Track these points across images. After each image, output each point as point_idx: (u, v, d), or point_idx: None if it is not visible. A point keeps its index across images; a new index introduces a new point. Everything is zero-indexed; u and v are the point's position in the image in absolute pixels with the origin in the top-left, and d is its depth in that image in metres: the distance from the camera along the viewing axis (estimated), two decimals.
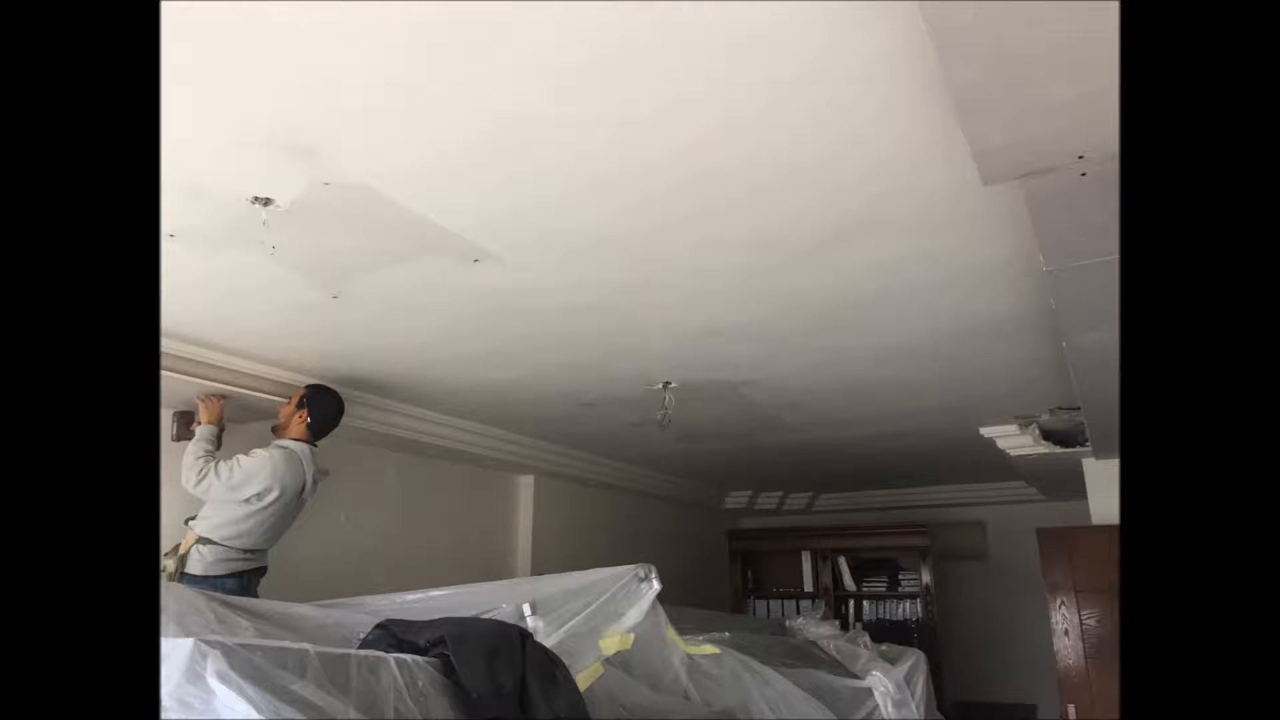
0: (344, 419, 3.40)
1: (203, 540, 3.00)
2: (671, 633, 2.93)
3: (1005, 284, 2.57)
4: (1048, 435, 4.42)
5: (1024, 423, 4.43)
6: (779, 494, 7.57)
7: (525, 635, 2.16)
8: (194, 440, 3.08)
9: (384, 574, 3.92)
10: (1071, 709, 4.24)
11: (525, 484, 5.33)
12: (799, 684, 3.35)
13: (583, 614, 2.54)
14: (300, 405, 3.26)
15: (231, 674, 1.53)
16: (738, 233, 2.18)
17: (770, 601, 7.16)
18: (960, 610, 7.01)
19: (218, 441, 3.13)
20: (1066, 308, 2.23)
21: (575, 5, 1.33)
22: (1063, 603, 4.41)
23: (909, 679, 3.99)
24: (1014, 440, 4.58)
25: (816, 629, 4.45)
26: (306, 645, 1.74)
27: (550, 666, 2.11)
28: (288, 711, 1.55)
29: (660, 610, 2.80)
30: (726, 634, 3.51)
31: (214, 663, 1.53)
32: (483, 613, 2.45)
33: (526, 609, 2.49)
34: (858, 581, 7.01)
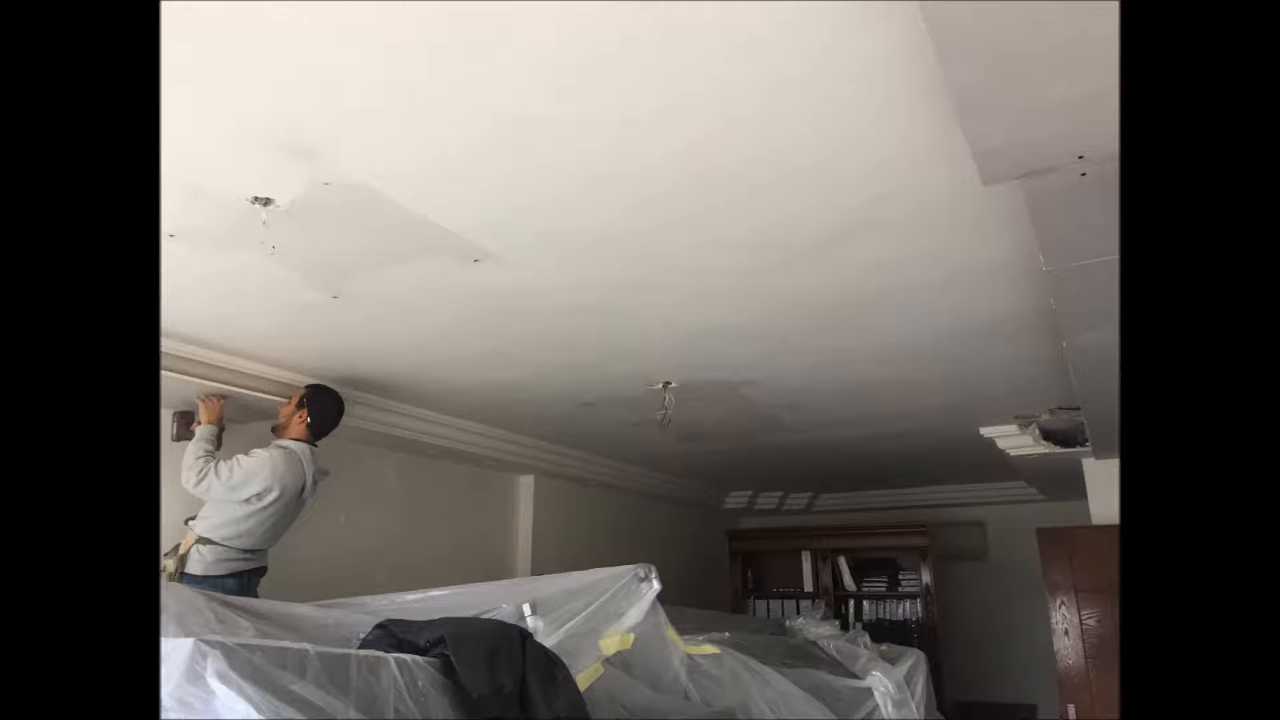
0: (344, 419, 3.40)
1: (203, 540, 3.00)
2: (671, 633, 2.93)
3: (1005, 284, 2.57)
4: (1048, 435, 4.42)
5: (1024, 423, 4.43)
6: (779, 494, 7.57)
7: (525, 635, 2.16)
8: (194, 440, 3.08)
9: (384, 574, 3.92)
10: (1071, 709, 4.24)
11: (525, 484, 5.33)
12: (799, 684, 3.35)
13: (583, 614, 2.54)
14: (300, 405, 3.26)
15: (231, 674, 1.53)
16: (738, 233, 2.18)
17: (770, 601, 7.16)
18: (960, 610, 7.01)
19: (218, 441, 3.13)
20: (1066, 308, 2.23)
21: (575, 5, 1.33)
22: (1063, 603, 4.41)
23: (909, 679, 3.99)
24: (1014, 440, 4.58)
25: (816, 629, 4.45)
26: (306, 645, 1.74)
27: (550, 666, 2.11)
28: (288, 711, 1.55)
29: (660, 610, 2.80)
30: (726, 634, 3.51)
31: (214, 663, 1.53)
32: (483, 613, 2.45)
33: (526, 609, 2.49)
34: (858, 581, 7.00)
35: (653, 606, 2.71)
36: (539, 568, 5.01)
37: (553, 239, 2.22)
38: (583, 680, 2.27)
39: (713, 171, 1.86)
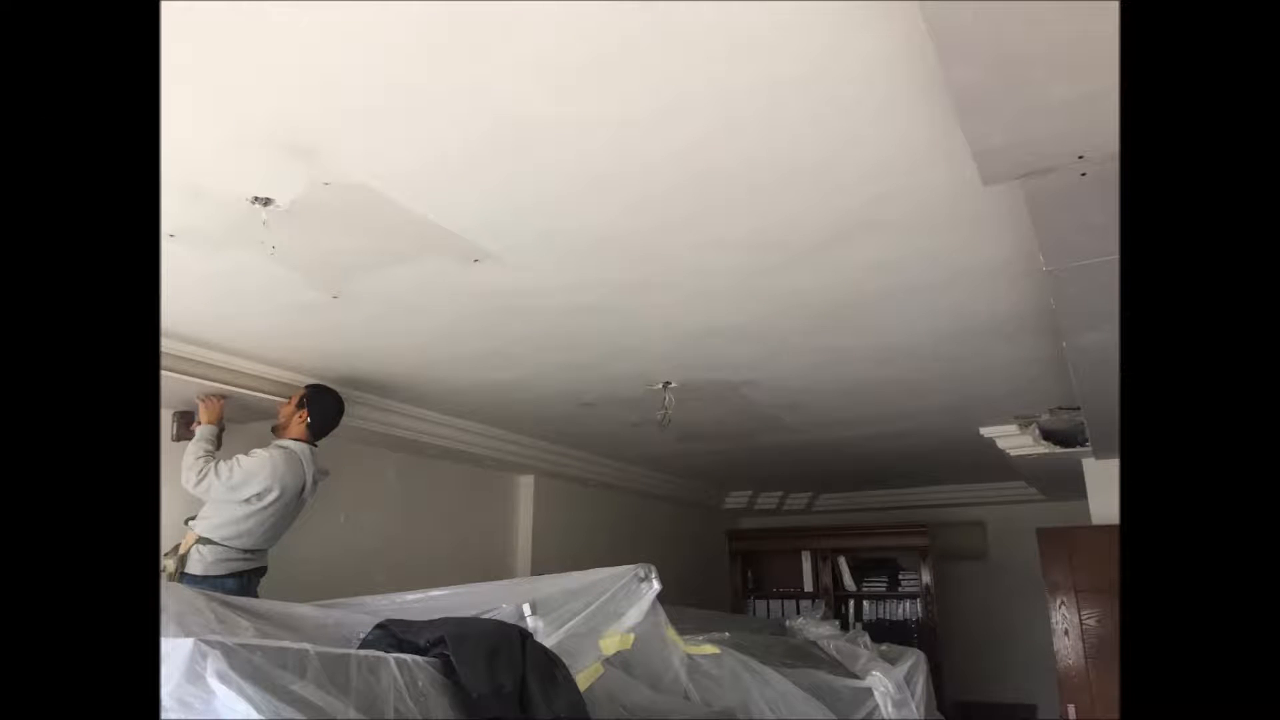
0: (344, 419, 3.40)
1: (203, 540, 3.00)
2: (671, 633, 2.93)
3: (1005, 284, 2.57)
4: (1048, 435, 4.42)
5: (1024, 423, 4.43)
6: (779, 494, 7.57)
7: (525, 635, 2.16)
8: (194, 440, 3.08)
9: (384, 574, 3.92)
10: (1071, 709, 4.24)
11: (525, 484, 5.33)
12: (799, 684, 3.35)
13: (583, 614, 2.54)
14: (300, 405, 3.26)
15: (231, 674, 1.53)
16: (738, 233, 2.18)
17: (770, 601, 7.16)
18: (960, 610, 7.01)
19: (218, 441, 3.13)
20: (1066, 308, 2.23)
21: (575, 5, 1.33)
22: (1063, 603, 4.41)
23: (909, 679, 3.99)
24: (1014, 440, 4.58)
25: (816, 629, 4.45)
26: (306, 645, 1.74)
27: (550, 666, 2.11)
28: (288, 711, 1.55)
29: (660, 610, 2.80)
30: (726, 634, 3.51)
31: (214, 663, 1.53)
32: (483, 613, 2.45)
33: (526, 609, 2.49)
34: (858, 581, 7.00)
35: (653, 606, 2.71)
36: (539, 568, 5.01)
37: (553, 239, 2.22)
38: (583, 680, 2.27)
39: (713, 171, 1.86)
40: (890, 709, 3.74)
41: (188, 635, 1.62)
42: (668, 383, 3.70)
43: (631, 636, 2.61)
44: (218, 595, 2.50)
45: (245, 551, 3.07)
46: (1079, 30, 1.15)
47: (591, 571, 2.74)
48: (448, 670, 1.95)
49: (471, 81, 1.52)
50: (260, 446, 3.13)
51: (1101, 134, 1.38)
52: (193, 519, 3.06)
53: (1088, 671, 4.27)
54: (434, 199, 1.98)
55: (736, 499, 7.40)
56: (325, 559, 3.81)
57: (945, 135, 1.66)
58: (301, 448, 3.21)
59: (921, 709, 3.96)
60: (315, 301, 2.61)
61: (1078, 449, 4.40)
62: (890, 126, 1.68)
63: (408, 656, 1.93)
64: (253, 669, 1.57)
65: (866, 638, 4.37)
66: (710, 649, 3.18)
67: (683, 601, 4.49)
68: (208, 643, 1.57)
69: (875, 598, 6.97)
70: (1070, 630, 4.36)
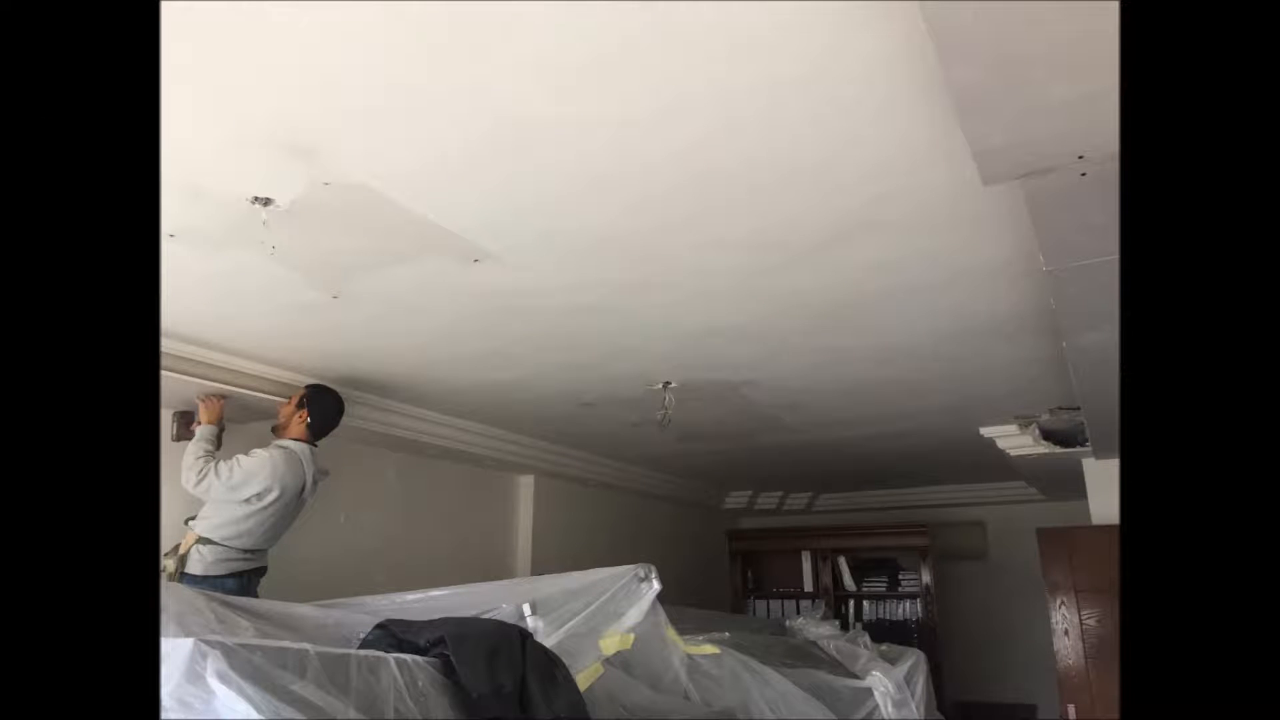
0: (344, 419, 3.40)
1: (203, 540, 3.00)
2: (671, 633, 2.93)
3: (1005, 284, 2.57)
4: (1048, 435, 4.42)
5: (1024, 423, 4.43)
6: (779, 494, 7.57)
7: (525, 635, 2.16)
8: (194, 440, 3.08)
9: (384, 574, 3.92)
10: (1071, 709, 4.24)
11: (525, 484, 5.33)
12: (799, 684, 3.35)
13: (583, 614, 2.54)
14: (300, 405, 3.26)
15: (231, 674, 1.53)
16: (738, 233, 2.18)
17: (770, 601, 7.16)
18: (960, 610, 7.01)
19: (218, 441, 3.13)
20: (1066, 308, 2.23)
21: (575, 5, 1.33)
22: (1063, 603, 4.41)
23: (909, 679, 3.99)
24: (1014, 440, 4.58)
25: (816, 629, 4.45)
26: (306, 645, 1.74)
27: (550, 666, 2.11)
28: (288, 711, 1.55)
29: (660, 610, 2.80)
30: (726, 634, 3.51)
31: (214, 663, 1.53)
32: (483, 613, 2.45)
33: (526, 609, 2.49)
34: (858, 581, 7.00)
35: (653, 606, 2.71)
36: (539, 568, 5.01)
37: (553, 239, 2.22)
38: (583, 680, 2.27)
39: (713, 171, 1.86)
40: (890, 709, 3.74)
41: (188, 635, 1.62)
42: (668, 383, 3.70)
43: (631, 636, 2.61)
44: (218, 595, 2.50)
45: (245, 551, 3.07)
46: (1079, 30, 1.15)
47: (591, 571, 2.74)
48: (448, 670, 1.95)
49: (471, 81, 1.52)
50: (260, 446, 3.13)
51: (1101, 134, 1.38)
52: (193, 519, 3.06)
53: (1088, 671, 4.27)
54: (434, 199, 1.98)
55: (736, 499, 7.40)
56: (325, 559, 3.81)
57: (945, 135, 1.66)
58: (301, 448, 3.21)
59: (921, 709, 3.96)
60: (315, 301, 2.61)
61: (1078, 449, 4.40)
62: (890, 126, 1.68)
63: (408, 656, 1.93)
64: (253, 669, 1.57)
65: (866, 638, 4.37)
66: (710, 649, 3.18)
67: (683, 601, 4.49)
68: (208, 643, 1.57)
69: (875, 598, 6.97)
70: (1070, 630, 4.36)
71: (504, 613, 2.46)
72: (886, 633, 5.95)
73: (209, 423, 3.12)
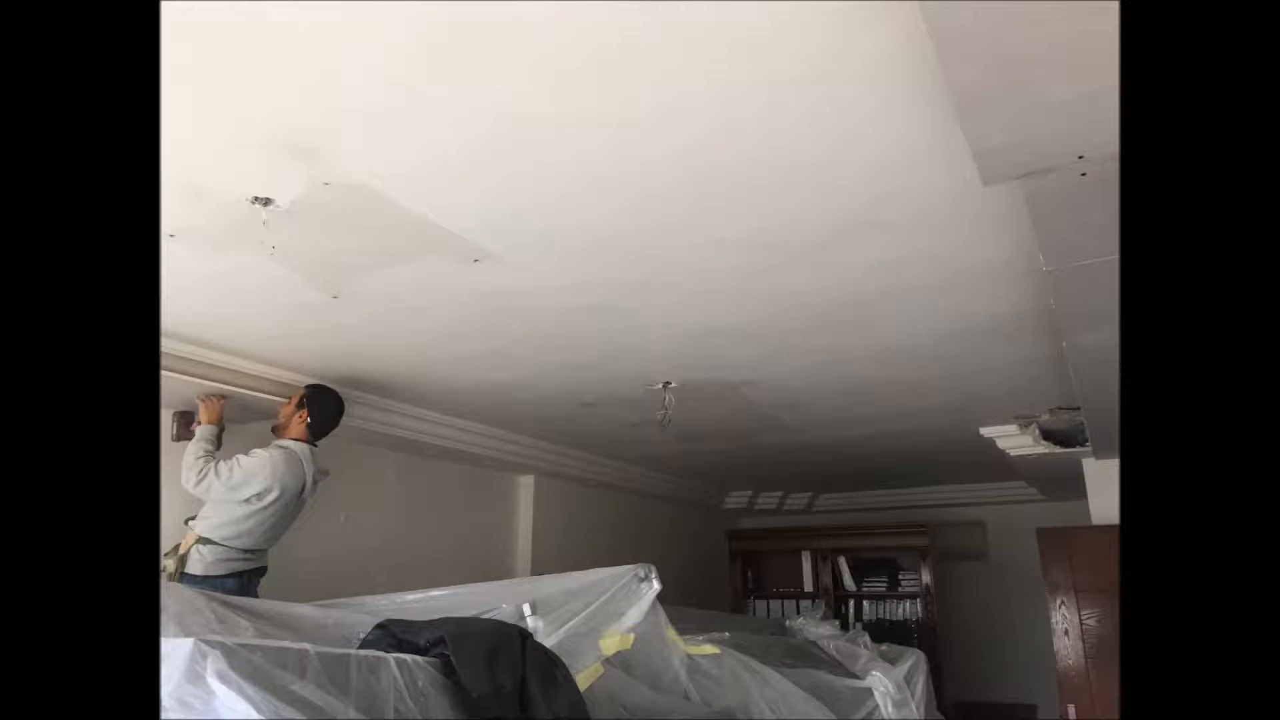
0: (344, 419, 3.40)
1: (203, 540, 3.00)
2: (671, 633, 2.93)
3: (1005, 284, 2.57)
4: (1048, 435, 4.42)
5: (1024, 423, 4.43)
6: (779, 494, 7.57)
7: (525, 635, 2.16)
8: (194, 440, 3.08)
9: (384, 574, 3.92)
10: (1071, 709, 4.24)
11: (525, 484, 5.33)
12: (799, 684, 3.35)
13: (583, 614, 2.54)
14: (300, 405, 3.26)
15: (231, 674, 1.53)
16: (738, 233, 2.18)
17: (770, 601, 7.16)
18: (960, 610, 7.01)
19: (218, 441, 3.13)
20: (1066, 308, 2.23)
21: (575, 5, 1.33)
22: (1063, 603, 4.41)
23: (909, 679, 3.99)
24: (1014, 440, 4.58)
25: (816, 629, 4.45)
26: (306, 645, 1.74)
27: (550, 666, 2.11)
28: (288, 711, 1.55)
29: (660, 610, 2.80)
30: (726, 634, 3.51)
31: (214, 663, 1.53)
32: (483, 613, 2.44)
33: (526, 609, 2.48)
34: (858, 581, 7.00)
35: (653, 606, 2.71)
36: (539, 568, 5.01)
37: (553, 239, 2.22)
38: (583, 680, 2.27)
39: (713, 171, 1.86)
40: (890, 709, 3.74)
41: (188, 635, 1.62)
42: (668, 383, 3.70)
43: (631, 636, 2.61)
44: (218, 595, 2.50)
45: (245, 551, 3.07)
46: (1079, 30, 1.15)
47: (591, 571, 2.74)
48: (448, 670, 1.95)
49: (471, 81, 1.52)
50: (260, 446, 3.13)
51: (1101, 134, 1.38)
52: (193, 519, 3.06)
53: (1088, 671, 4.27)
54: (434, 199, 1.98)
55: (736, 499, 7.40)
56: (325, 559, 3.81)
57: (945, 135, 1.66)
58: (301, 448, 3.21)
59: (921, 709, 3.96)
60: (315, 301, 2.61)
61: (1078, 449, 4.40)
62: (890, 126, 1.68)
63: (408, 656, 1.93)
64: (253, 669, 1.57)
65: (866, 638, 4.37)
66: (710, 649, 3.18)
67: (683, 601, 4.49)
68: (208, 643, 1.57)
69: (875, 598, 6.97)
70: (1070, 630, 4.36)
71: (504, 613, 2.46)
72: (886, 633, 5.94)
73: (209, 423, 3.12)
